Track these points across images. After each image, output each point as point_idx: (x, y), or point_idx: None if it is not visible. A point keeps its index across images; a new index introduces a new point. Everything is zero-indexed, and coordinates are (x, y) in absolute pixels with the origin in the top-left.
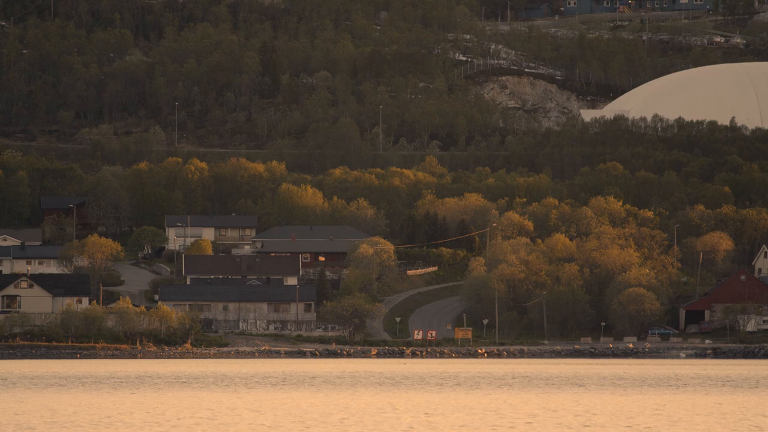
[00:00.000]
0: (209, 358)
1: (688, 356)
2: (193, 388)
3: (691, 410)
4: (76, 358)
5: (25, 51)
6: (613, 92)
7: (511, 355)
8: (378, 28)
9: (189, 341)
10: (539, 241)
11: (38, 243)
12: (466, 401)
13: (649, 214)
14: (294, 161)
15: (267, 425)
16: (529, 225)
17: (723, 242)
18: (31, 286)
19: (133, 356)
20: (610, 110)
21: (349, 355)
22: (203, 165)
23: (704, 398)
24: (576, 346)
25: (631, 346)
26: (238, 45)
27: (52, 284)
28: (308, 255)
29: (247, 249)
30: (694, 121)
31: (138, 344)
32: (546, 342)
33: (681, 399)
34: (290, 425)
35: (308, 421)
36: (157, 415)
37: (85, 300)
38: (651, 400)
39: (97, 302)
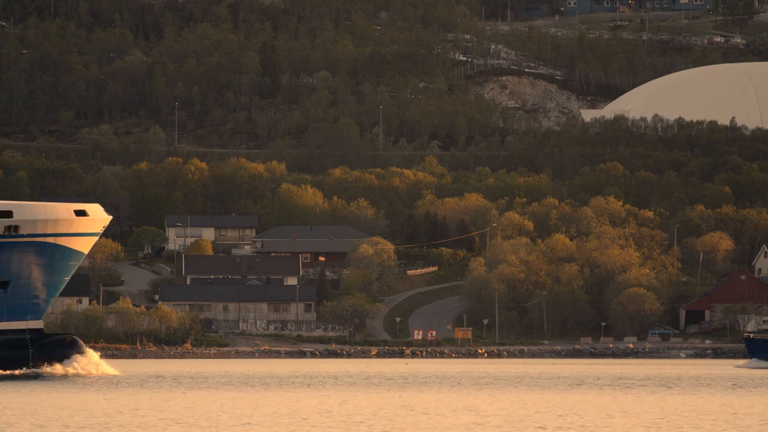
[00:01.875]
0: (209, 358)
1: (688, 356)
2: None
3: (695, 411)
4: None
5: (25, 51)
6: (613, 92)
7: (511, 355)
8: (378, 28)
9: (189, 341)
10: (539, 241)
11: None
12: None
13: (649, 214)
14: (294, 161)
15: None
16: (529, 225)
17: (723, 242)
18: None
19: (134, 356)
20: (610, 110)
21: (349, 355)
22: (203, 165)
23: (707, 398)
24: (576, 346)
25: (631, 346)
26: (238, 45)
27: None
28: (308, 255)
29: (247, 249)
30: (694, 121)
31: (138, 344)
32: (546, 342)
33: (682, 399)
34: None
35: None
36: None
37: (85, 300)
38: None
39: (97, 302)
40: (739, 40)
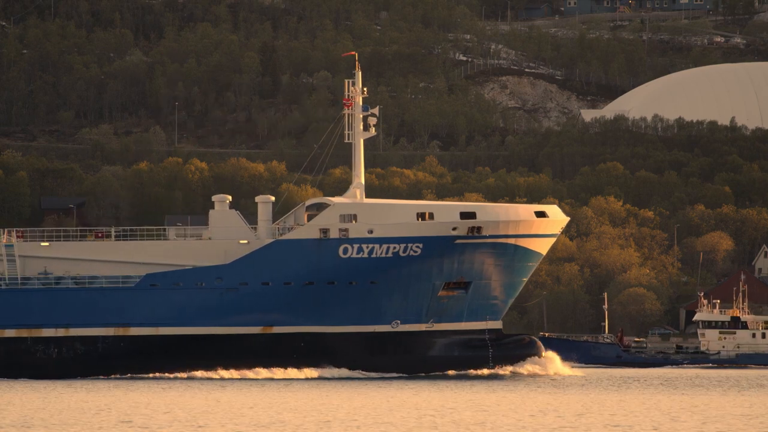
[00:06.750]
0: None
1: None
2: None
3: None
4: None
5: (25, 51)
6: (613, 92)
7: None
8: (378, 28)
9: None
10: None
11: None
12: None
13: (649, 214)
14: (294, 161)
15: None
16: None
17: (723, 242)
18: None
19: None
20: (610, 110)
21: None
22: (203, 165)
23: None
24: None
25: None
26: (238, 45)
27: None
28: None
29: None
30: (694, 121)
31: None
32: None
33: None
34: None
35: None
36: None
37: None
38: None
39: None
40: (739, 40)
